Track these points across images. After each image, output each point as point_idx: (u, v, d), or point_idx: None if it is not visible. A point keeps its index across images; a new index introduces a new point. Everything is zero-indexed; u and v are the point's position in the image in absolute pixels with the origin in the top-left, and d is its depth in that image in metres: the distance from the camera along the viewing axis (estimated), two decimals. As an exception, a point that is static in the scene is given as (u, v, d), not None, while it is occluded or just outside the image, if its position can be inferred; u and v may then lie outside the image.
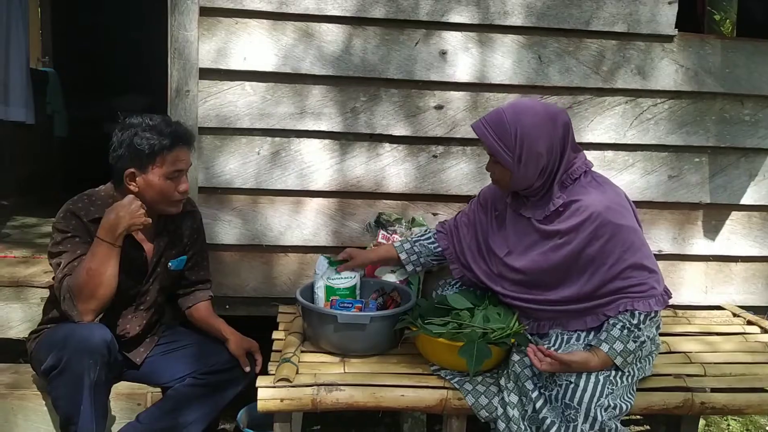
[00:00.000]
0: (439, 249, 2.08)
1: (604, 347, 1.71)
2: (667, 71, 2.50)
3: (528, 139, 1.74)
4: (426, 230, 2.18)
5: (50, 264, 1.92)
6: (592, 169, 1.87)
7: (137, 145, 1.86)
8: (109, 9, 5.80)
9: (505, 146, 1.76)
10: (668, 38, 2.48)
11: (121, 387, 2.06)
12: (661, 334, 2.06)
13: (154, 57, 3.86)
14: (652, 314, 1.75)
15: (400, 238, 2.31)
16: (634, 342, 1.72)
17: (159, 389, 2.07)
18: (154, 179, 1.90)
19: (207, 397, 2.04)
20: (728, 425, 2.73)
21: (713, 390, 1.94)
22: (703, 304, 2.66)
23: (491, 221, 1.99)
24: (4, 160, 4.25)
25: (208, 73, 2.34)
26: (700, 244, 2.63)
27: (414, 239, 2.13)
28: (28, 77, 3.92)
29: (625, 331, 1.72)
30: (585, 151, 2.50)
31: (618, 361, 1.71)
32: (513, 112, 1.77)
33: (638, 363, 1.82)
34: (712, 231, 2.63)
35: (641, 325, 1.73)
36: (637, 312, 1.73)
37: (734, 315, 2.57)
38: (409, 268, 2.11)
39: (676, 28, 2.48)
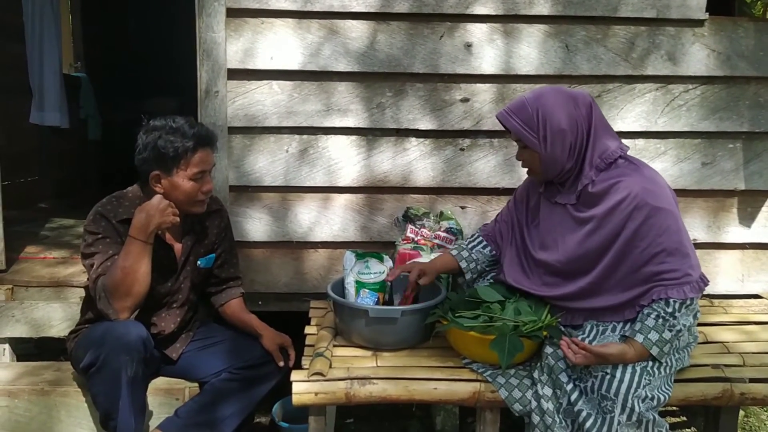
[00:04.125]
0: (494, 253, 2.08)
1: (639, 338, 1.69)
2: (699, 56, 2.45)
3: (550, 118, 1.75)
4: (475, 236, 2.14)
5: (83, 265, 1.97)
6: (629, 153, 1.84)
7: (161, 149, 1.90)
8: (138, 13, 5.91)
9: (528, 127, 1.78)
10: (699, 22, 2.43)
11: (159, 382, 2.11)
12: (698, 324, 2.02)
13: (183, 59, 3.92)
14: (688, 302, 1.70)
15: (452, 246, 2.23)
16: (670, 331, 1.68)
17: (196, 384, 2.12)
18: (178, 181, 1.93)
19: (243, 391, 2.07)
20: (769, 416, 2.68)
21: (752, 380, 1.90)
22: (740, 292, 2.61)
23: (527, 215, 1.98)
24: (41, 165, 4.38)
25: (235, 74, 2.38)
26: (735, 232, 2.58)
27: (469, 246, 2.11)
28: (61, 83, 4.03)
29: (660, 320, 1.69)
30: (615, 140, 2.49)
31: (654, 351, 1.68)
32: (533, 96, 1.80)
33: (677, 354, 1.79)
34: (747, 218, 2.58)
35: (677, 314, 1.69)
36: (671, 300, 1.69)
37: (773, 304, 2.52)
38: (468, 276, 2.08)
39: (706, 11, 2.42)
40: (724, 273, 2.60)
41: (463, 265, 2.07)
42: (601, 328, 1.79)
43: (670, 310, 1.69)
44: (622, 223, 1.72)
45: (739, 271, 2.61)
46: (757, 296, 2.60)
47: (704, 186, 2.53)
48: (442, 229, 2.36)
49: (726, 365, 1.95)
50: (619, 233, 1.73)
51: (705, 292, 2.55)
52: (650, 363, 1.71)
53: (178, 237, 2.08)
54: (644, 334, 1.69)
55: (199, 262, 2.12)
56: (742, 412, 2.59)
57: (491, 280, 2.06)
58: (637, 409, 1.65)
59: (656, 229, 1.70)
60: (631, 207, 1.71)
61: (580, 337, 1.78)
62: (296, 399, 1.80)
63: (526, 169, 1.92)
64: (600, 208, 1.76)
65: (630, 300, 1.76)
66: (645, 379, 1.69)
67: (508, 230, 2.04)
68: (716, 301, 2.53)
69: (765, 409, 2.70)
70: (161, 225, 1.90)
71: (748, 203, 2.57)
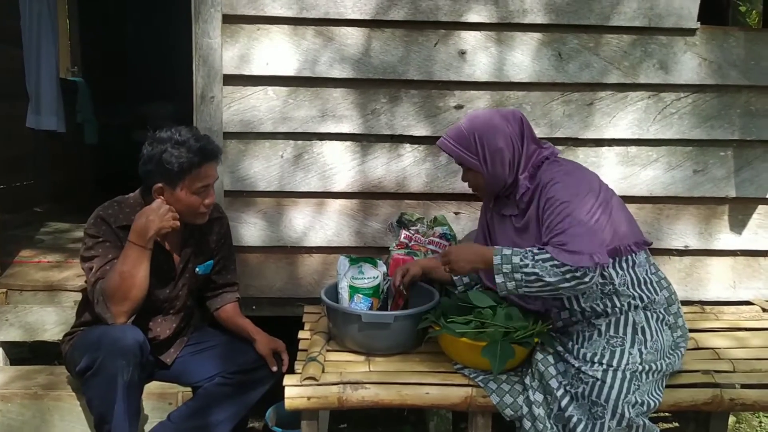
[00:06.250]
0: None
1: (497, 248, 1.77)
2: (690, 65, 2.47)
3: (486, 139, 1.87)
4: None
5: (82, 268, 1.98)
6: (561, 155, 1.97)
7: (166, 163, 1.89)
8: (135, 18, 5.93)
9: (468, 152, 1.90)
10: (690, 32, 2.45)
11: (152, 387, 2.11)
12: (690, 330, 2.04)
13: (180, 65, 3.94)
14: (557, 262, 1.67)
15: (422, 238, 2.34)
16: (524, 260, 1.71)
17: (189, 389, 2.12)
18: (182, 195, 1.94)
19: (236, 396, 2.08)
20: (760, 422, 2.69)
21: (743, 386, 1.92)
22: (731, 299, 2.62)
23: (488, 229, 2.08)
24: (37, 168, 4.37)
25: (231, 79, 2.39)
26: (726, 239, 2.60)
27: None
28: (58, 87, 4.02)
29: (529, 253, 1.72)
30: (607, 147, 2.53)
31: (497, 259, 1.74)
32: (468, 121, 1.93)
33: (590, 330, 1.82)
34: (738, 225, 2.60)
35: (537, 257, 1.69)
36: (548, 249, 1.70)
37: (764, 310, 2.53)
38: (456, 278, 2.11)
39: (698, 21, 2.45)
40: (715, 280, 2.62)
41: None
42: (587, 333, 1.82)
43: (536, 252, 1.71)
44: (535, 209, 1.84)
45: (730, 277, 2.63)
46: (748, 303, 2.62)
47: (696, 193, 2.55)
48: (435, 235, 2.37)
49: (716, 371, 1.96)
50: (532, 219, 1.85)
51: (696, 299, 2.60)
52: (639, 368, 1.72)
53: (178, 244, 2.08)
54: (502, 248, 1.77)
55: (197, 269, 2.13)
56: (733, 418, 2.61)
57: (480, 287, 2.07)
58: (627, 414, 1.66)
59: (559, 215, 1.74)
60: (541, 195, 1.82)
61: (569, 344, 1.81)
62: (289, 403, 1.80)
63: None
64: (529, 212, 1.87)
65: None
66: (634, 384, 1.70)
67: (484, 243, 2.08)
68: (708, 308, 2.55)
69: (756, 415, 2.71)
70: (161, 230, 1.90)
71: (739, 211, 2.59)
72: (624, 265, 1.82)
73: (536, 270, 1.69)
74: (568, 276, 1.67)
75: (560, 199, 1.75)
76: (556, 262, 1.67)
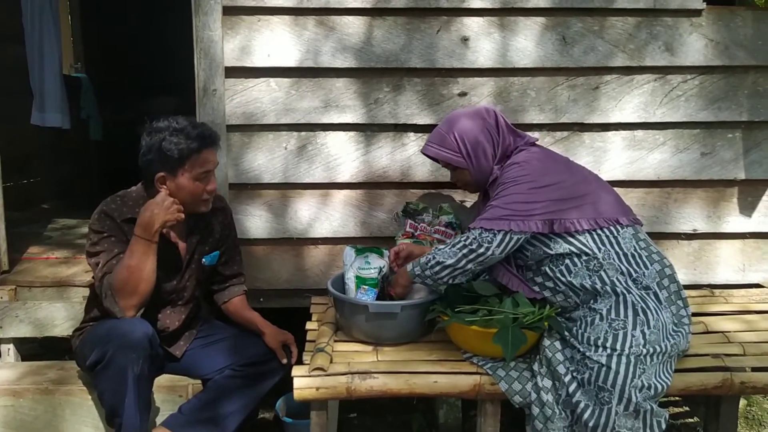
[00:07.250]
0: None
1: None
2: (697, 46, 2.44)
3: (467, 136, 1.99)
4: None
5: (89, 264, 1.98)
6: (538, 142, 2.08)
7: (166, 151, 1.90)
8: (136, 14, 5.92)
9: (452, 151, 2.02)
10: (696, 12, 2.42)
11: (163, 380, 2.12)
12: (698, 314, 2.03)
13: (182, 58, 3.92)
14: (454, 243, 1.87)
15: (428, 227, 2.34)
16: (425, 257, 1.91)
17: (200, 381, 2.13)
18: (183, 182, 1.95)
19: (246, 388, 2.08)
20: (771, 405, 2.68)
21: (753, 369, 1.91)
22: (740, 282, 2.61)
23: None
24: (43, 166, 4.39)
25: (233, 71, 2.38)
26: (735, 222, 2.57)
27: None
28: (62, 84, 4.03)
29: (433, 249, 1.92)
30: (613, 132, 2.51)
31: (408, 268, 1.95)
32: (446, 123, 2.07)
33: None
34: (748, 208, 2.57)
35: (437, 248, 1.89)
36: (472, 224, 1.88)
37: (774, 293, 2.52)
38: None
39: (704, 1, 2.42)
40: (724, 263, 2.60)
41: None
42: (589, 319, 1.81)
43: (438, 246, 1.92)
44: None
45: (739, 260, 2.61)
46: (757, 285, 2.60)
47: (704, 176, 2.53)
48: (441, 224, 2.36)
49: (726, 354, 1.95)
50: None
51: (705, 282, 2.59)
52: (643, 350, 1.71)
53: (183, 235, 2.09)
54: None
55: (203, 260, 2.13)
56: (744, 402, 2.60)
57: (486, 277, 2.07)
58: (634, 399, 1.66)
59: (503, 190, 1.89)
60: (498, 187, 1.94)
61: (574, 329, 1.81)
62: (297, 394, 1.81)
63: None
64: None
65: None
66: (639, 368, 1.70)
67: None
68: (717, 291, 2.53)
69: (767, 398, 2.70)
70: (166, 222, 1.90)
71: (748, 193, 2.57)
72: (606, 240, 1.85)
73: (436, 258, 1.88)
74: (465, 251, 1.84)
75: (504, 181, 1.90)
76: (453, 243, 1.86)
